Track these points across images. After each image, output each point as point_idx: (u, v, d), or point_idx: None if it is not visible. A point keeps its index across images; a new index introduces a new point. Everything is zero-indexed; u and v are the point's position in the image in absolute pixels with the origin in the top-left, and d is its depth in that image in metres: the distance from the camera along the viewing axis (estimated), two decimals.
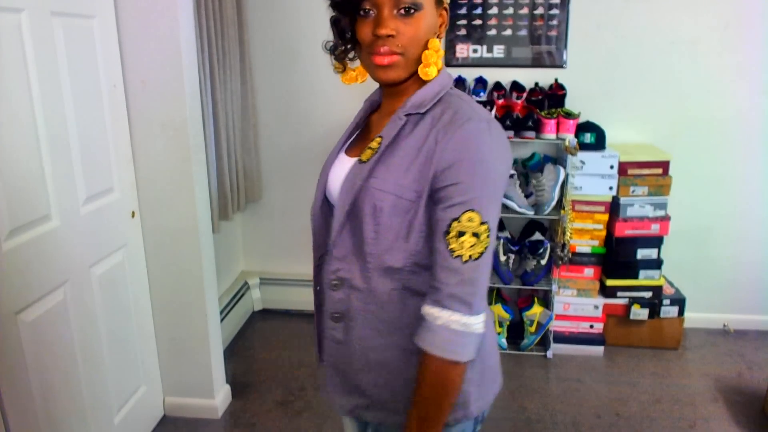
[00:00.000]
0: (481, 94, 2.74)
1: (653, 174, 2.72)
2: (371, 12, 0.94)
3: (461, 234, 0.89)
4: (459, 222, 0.89)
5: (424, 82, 0.99)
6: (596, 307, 2.85)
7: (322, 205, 1.10)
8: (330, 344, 1.08)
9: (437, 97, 0.98)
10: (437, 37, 0.99)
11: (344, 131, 1.14)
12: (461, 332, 0.90)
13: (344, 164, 1.05)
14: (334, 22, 1.01)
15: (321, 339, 1.13)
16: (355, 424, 1.18)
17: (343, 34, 1.01)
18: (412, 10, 0.92)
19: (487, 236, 0.90)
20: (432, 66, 0.96)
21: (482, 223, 0.89)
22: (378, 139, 0.98)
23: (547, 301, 2.91)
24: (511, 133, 2.65)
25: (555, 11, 2.79)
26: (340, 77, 1.08)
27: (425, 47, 0.96)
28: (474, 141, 0.90)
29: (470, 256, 0.89)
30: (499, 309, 2.82)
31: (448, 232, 0.90)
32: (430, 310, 0.92)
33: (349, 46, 1.03)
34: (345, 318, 1.03)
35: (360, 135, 1.12)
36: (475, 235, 0.89)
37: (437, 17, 0.98)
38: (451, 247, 0.89)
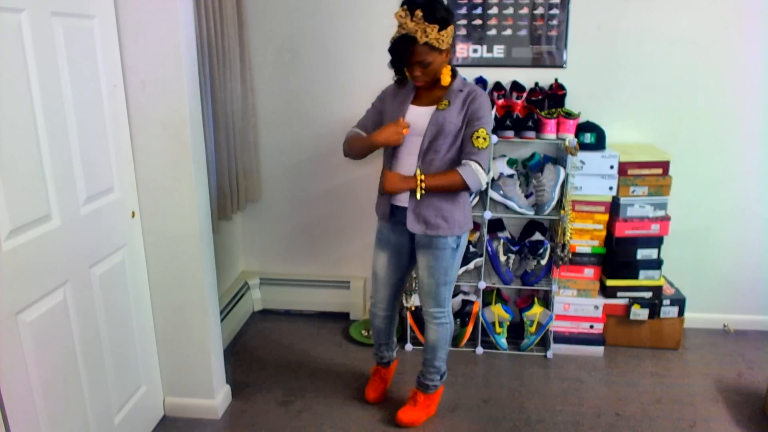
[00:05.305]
0: None
1: (653, 174, 2.72)
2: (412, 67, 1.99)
3: (478, 137, 1.98)
4: (478, 132, 1.98)
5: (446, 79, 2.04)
6: (596, 307, 2.86)
7: None
8: (412, 201, 2.06)
9: (465, 85, 2.05)
10: (447, 57, 1.99)
11: (397, 97, 2.12)
12: (475, 171, 1.97)
13: (420, 110, 2.05)
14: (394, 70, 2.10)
15: (392, 205, 2.15)
16: (389, 253, 2.24)
17: (401, 72, 2.08)
18: (427, 64, 1.95)
19: (489, 138, 2.00)
20: (444, 77, 2.02)
21: (487, 134, 2.00)
22: (446, 102, 2.02)
23: (547, 302, 2.91)
24: (511, 133, 2.65)
25: (555, 11, 2.80)
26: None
27: (439, 73, 2.01)
28: (485, 101, 2.02)
29: (483, 146, 1.99)
30: (499, 309, 2.82)
31: (475, 137, 1.99)
32: (467, 162, 1.99)
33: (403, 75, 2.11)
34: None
35: (415, 96, 2.10)
36: (484, 138, 1.99)
37: (444, 56, 1.97)
38: (475, 143, 1.99)
